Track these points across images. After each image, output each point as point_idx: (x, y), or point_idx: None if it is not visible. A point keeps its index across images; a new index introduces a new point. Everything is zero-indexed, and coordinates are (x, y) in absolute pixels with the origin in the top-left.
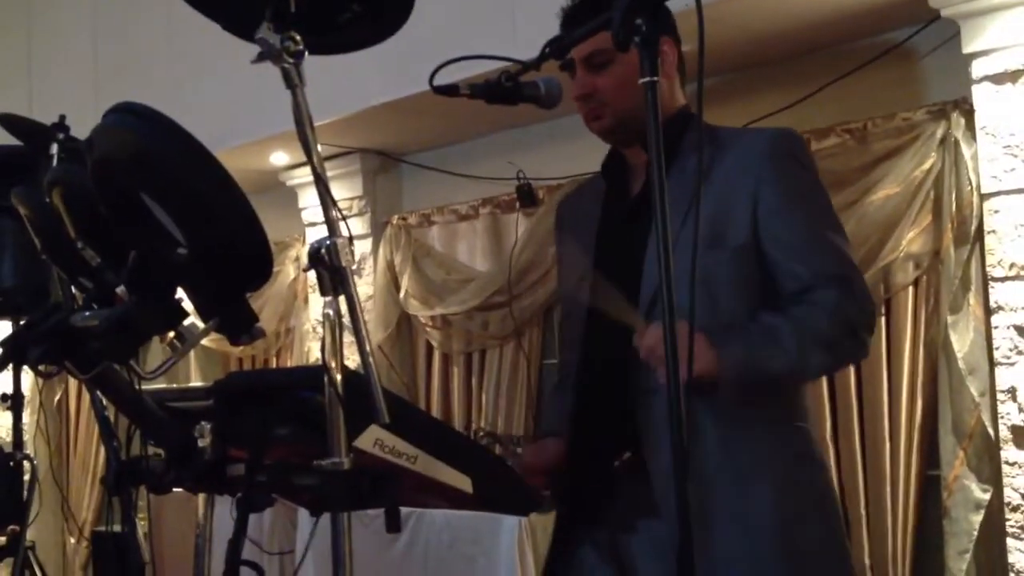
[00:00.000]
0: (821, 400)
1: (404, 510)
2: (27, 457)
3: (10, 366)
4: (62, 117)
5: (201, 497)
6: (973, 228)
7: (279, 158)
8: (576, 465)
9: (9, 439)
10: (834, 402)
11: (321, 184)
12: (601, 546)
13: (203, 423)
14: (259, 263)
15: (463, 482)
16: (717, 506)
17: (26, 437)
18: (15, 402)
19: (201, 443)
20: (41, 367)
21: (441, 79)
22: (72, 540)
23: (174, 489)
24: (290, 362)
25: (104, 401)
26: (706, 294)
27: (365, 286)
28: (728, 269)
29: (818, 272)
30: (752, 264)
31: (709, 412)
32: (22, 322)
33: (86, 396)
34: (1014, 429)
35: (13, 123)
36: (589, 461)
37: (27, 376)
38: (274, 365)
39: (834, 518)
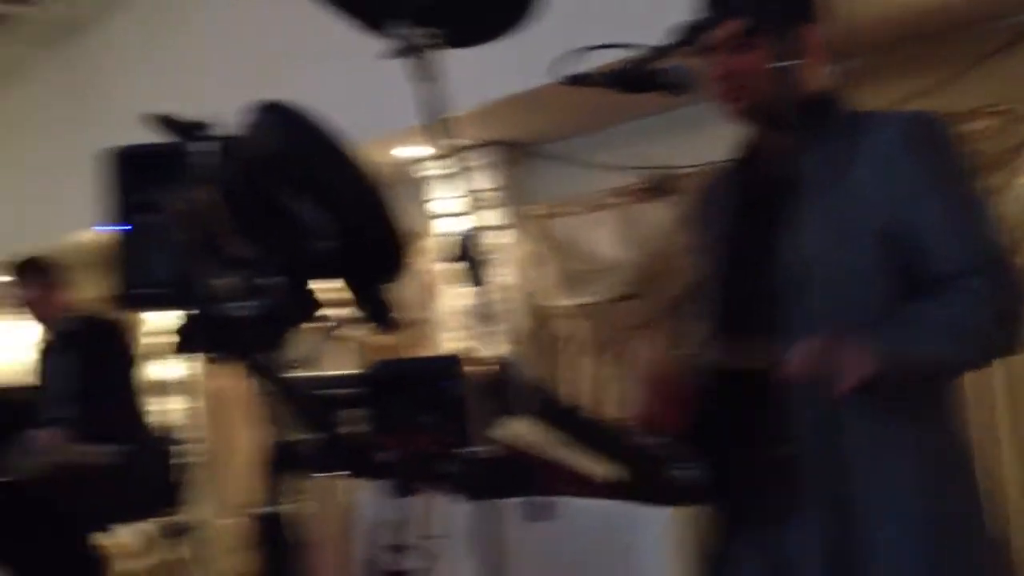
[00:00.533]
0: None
1: (552, 498)
2: (187, 441)
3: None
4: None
5: (345, 482)
6: None
7: (405, 151)
8: (726, 459)
9: (172, 424)
10: (983, 401)
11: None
12: (755, 543)
13: (352, 409)
14: (397, 255)
15: (608, 471)
16: (867, 501)
17: (186, 422)
18: (174, 389)
19: (348, 429)
20: (206, 355)
21: (572, 69)
22: (230, 521)
23: (322, 474)
24: (420, 353)
25: (262, 387)
26: (845, 285)
27: (502, 277)
28: (867, 259)
29: (968, 258)
30: (892, 254)
31: (855, 408)
32: (182, 313)
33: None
34: None
35: (162, 120)
36: (739, 455)
37: (184, 363)
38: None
39: (984, 518)
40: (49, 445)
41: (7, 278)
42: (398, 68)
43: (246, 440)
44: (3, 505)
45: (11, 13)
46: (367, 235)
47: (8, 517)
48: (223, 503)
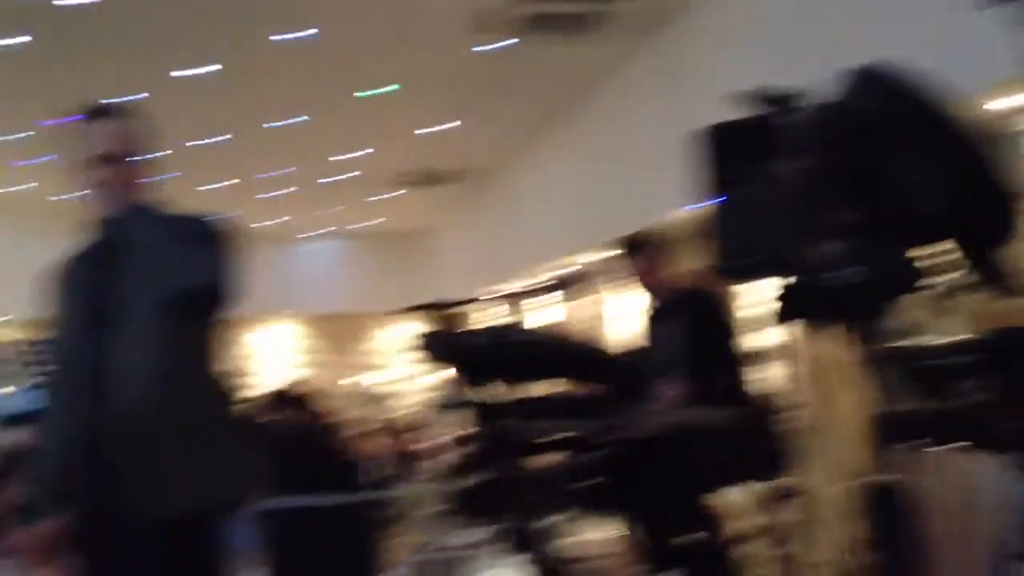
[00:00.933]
0: None
1: None
2: (789, 408)
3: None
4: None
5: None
6: None
7: (1000, 104)
8: None
9: (773, 391)
10: None
11: None
12: None
13: (969, 379)
14: (1007, 215)
15: None
16: None
17: (787, 389)
18: (774, 356)
19: (965, 399)
20: (807, 323)
21: None
22: (838, 488)
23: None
24: None
25: (867, 354)
26: None
27: None
28: None
29: None
30: None
31: None
32: (780, 282)
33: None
34: None
35: (754, 94)
36: None
37: (783, 331)
38: None
39: None
40: (672, 404)
41: (618, 253)
42: (984, 19)
43: (848, 407)
44: (631, 459)
45: (607, 11)
46: (975, 196)
47: (633, 471)
48: (830, 469)
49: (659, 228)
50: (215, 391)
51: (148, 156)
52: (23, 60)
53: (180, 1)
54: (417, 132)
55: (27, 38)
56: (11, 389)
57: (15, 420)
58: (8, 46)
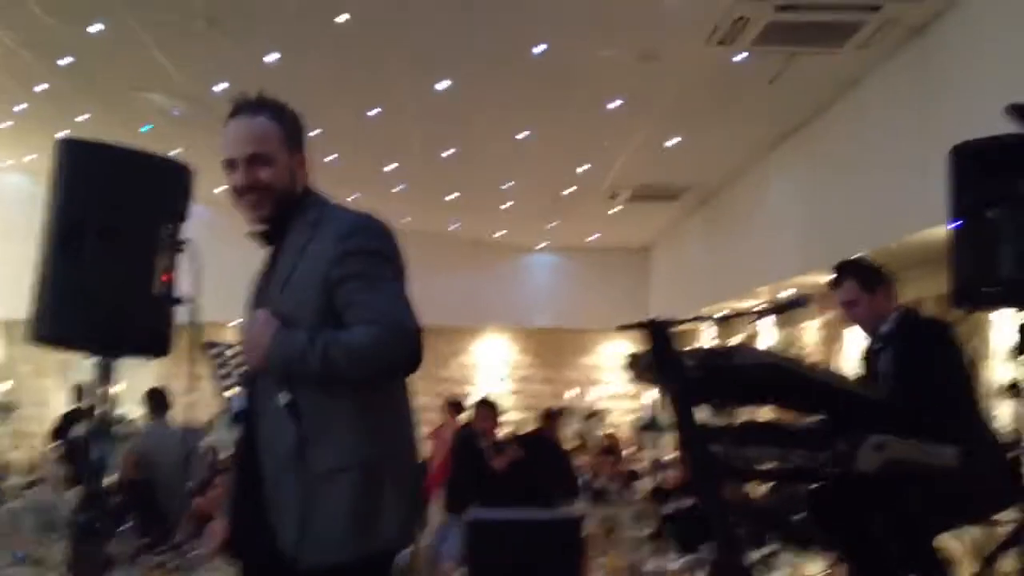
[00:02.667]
0: None
1: None
2: None
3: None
4: None
5: None
6: None
7: None
8: None
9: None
10: None
11: None
12: None
13: None
14: None
15: None
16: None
17: None
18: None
19: None
20: None
21: None
22: None
23: None
24: None
25: None
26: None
27: None
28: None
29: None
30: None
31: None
32: None
33: None
34: None
35: (1013, 110)
36: None
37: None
38: None
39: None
40: (890, 442)
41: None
42: None
43: None
44: (849, 493)
45: (864, 20)
46: None
47: (851, 506)
48: None
49: (887, 251)
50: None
51: (296, 160)
52: (276, 75)
53: (416, 20)
54: (640, 147)
55: (277, 56)
56: (238, 389)
57: (240, 419)
58: (266, 62)
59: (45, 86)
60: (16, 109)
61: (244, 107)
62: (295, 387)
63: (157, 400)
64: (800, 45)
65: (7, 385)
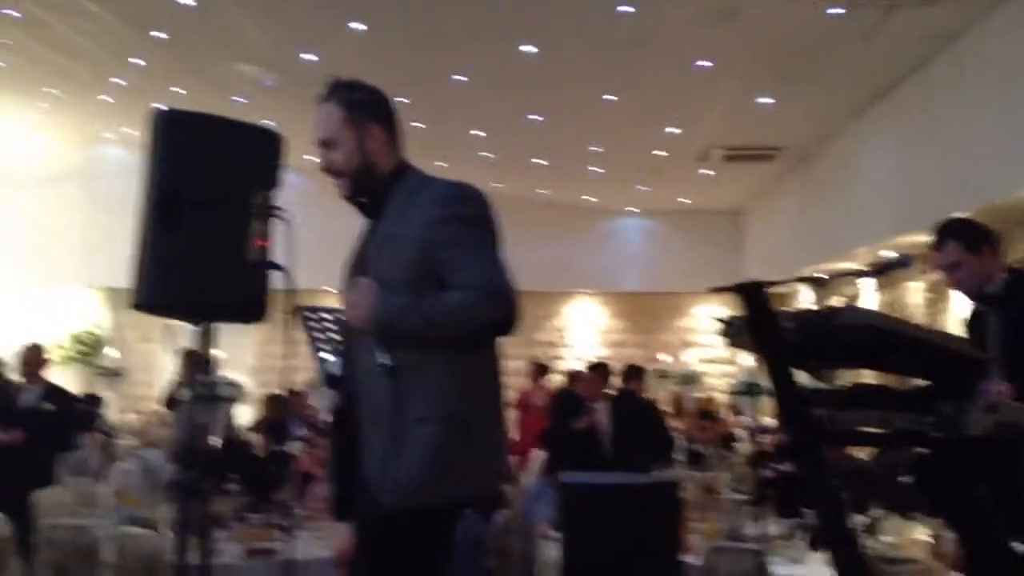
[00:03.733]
0: None
1: None
2: None
3: None
4: None
5: None
6: None
7: None
8: None
9: None
10: None
11: None
12: None
13: None
14: None
15: None
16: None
17: None
18: None
19: None
20: None
21: None
22: None
23: None
24: None
25: None
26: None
27: None
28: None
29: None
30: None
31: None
32: None
33: None
34: None
35: None
36: None
37: None
38: None
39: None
40: (998, 401)
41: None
42: None
43: None
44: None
45: None
46: None
47: (958, 471)
48: None
49: (991, 209)
50: (477, 382)
51: (369, 138)
52: (362, 44)
53: None
54: (730, 108)
55: (364, 26)
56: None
57: (335, 382)
58: (352, 30)
59: (140, 60)
60: (113, 81)
61: (322, 94)
62: (392, 347)
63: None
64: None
65: (115, 351)
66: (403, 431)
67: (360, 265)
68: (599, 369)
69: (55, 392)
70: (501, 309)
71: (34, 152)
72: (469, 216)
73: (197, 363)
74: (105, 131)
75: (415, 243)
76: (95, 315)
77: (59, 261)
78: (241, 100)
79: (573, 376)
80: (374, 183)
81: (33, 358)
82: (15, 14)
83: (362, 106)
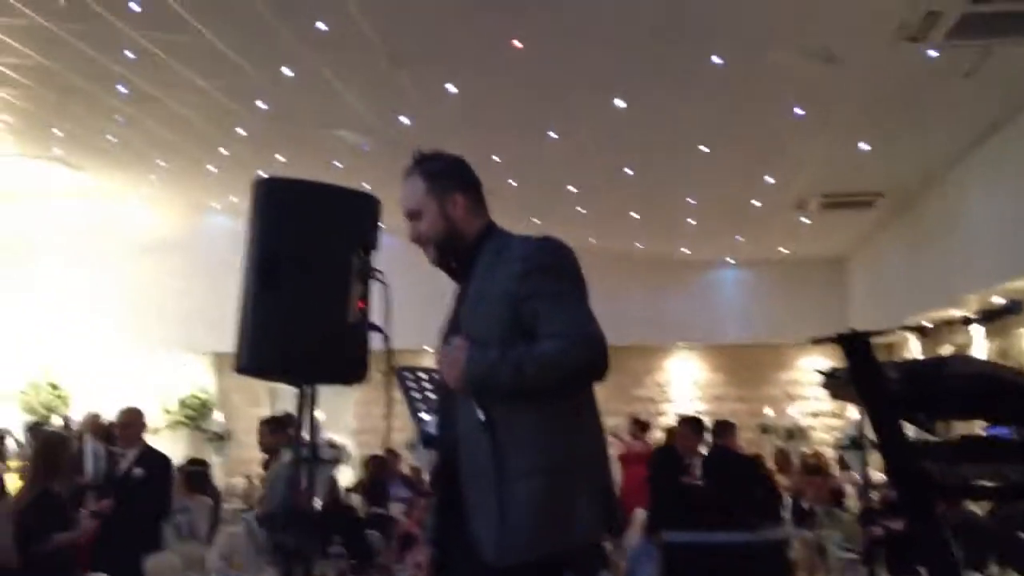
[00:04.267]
0: None
1: None
2: None
3: None
4: None
5: None
6: None
7: None
8: None
9: None
10: None
11: None
12: None
13: None
14: None
15: None
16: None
17: None
18: None
19: None
20: None
21: None
22: None
23: None
24: None
25: None
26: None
27: None
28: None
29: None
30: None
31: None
32: None
33: None
34: None
35: None
36: None
37: None
38: None
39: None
40: None
41: None
42: None
43: None
44: None
45: None
46: None
47: None
48: None
49: None
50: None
51: (451, 205)
52: (455, 106)
53: (588, 41)
54: (827, 154)
55: (456, 89)
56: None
57: (433, 442)
58: (446, 92)
59: (243, 131)
60: (219, 152)
61: (406, 167)
62: (488, 403)
63: None
64: (996, 36)
65: (221, 415)
66: (506, 486)
67: (453, 326)
68: (691, 423)
69: (150, 456)
70: (590, 354)
71: (144, 222)
72: (551, 267)
73: (279, 429)
74: (211, 200)
75: (503, 299)
76: (202, 380)
77: (167, 327)
78: (339, 165)
79: (671, 432)
80: (461, 248)
81: (129, 422)
82: (123, 89)
83: (443, 176)
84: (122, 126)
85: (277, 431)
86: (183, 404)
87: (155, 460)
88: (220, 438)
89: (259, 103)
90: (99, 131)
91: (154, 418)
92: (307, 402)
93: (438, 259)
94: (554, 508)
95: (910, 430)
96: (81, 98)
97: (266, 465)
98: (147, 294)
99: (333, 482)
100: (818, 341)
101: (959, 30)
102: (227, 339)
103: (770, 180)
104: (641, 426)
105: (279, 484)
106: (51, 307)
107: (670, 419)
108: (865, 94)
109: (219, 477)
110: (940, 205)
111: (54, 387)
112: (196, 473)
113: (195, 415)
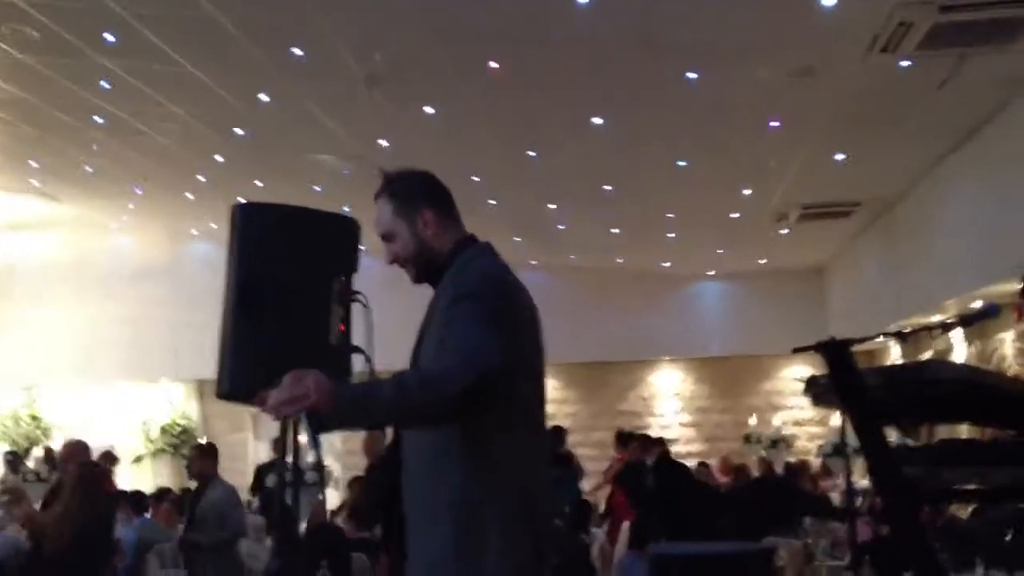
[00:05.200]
0: None
1: None
2: None
3: None
4: None
5: None
6: None
7: None
8: None
9: None
10: None
11: None
12: None
13: None
14: None
15: None
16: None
17: None
18: None
19: None
20: None
21: None
22: None
23: None
24: None
25: None
26: None
27: None
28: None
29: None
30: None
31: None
32: None
33: None
34: None
35: None
36: None
37: None
38: None
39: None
40: None
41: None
42: None
43: None
44: None
45: None
46: None
47: None
48: None
49: None
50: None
51: (420, 223)
52: (433, 127)
53: (562, 60)
54: (805, 166)
55: (433, 110)
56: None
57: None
58: (424, 114)
59: (220, 157)
60: (197, 179)
61: (376, 191)
62: (409, 428)
63: None
64: (968, 46)
65: (204, 441)
66: (427, 522)
67: (419, 340)
68: (648, 438)
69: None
70: (470, 375)
71: (123, 251)
72: (475, 294)
73: (209, 455)
74: (191, 227)
75: (439, 325)
76: (185, 407)
77: (149, 355)
78: (319, 189)
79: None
80: (436, 263)
81: (70, 455)
82: (99, 120)
83: (410, 195)
84: (99, 156)
85: (207, 456)
86: (164, 431)
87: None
88: None
89: (236, 129)
90: (76, 162)
91: (137, 447)
92: (290, 425)
93: (417, 277)
94: (464, 549)
95: (892, 435)
96: (58, 129)
97: (197, 492)
98: (128, 322)
99: (320, 504)
100: (799, 350)
101: (930, 40)
102: (209, 365)
103: (748, 192)
104: (625, 440)
105: (211, 515)
106: (31, 338)
107: (656, 432)
108: (840, 105)
109: None
110: (917, 212)
111: (34, 418)
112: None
113: (177, 442)
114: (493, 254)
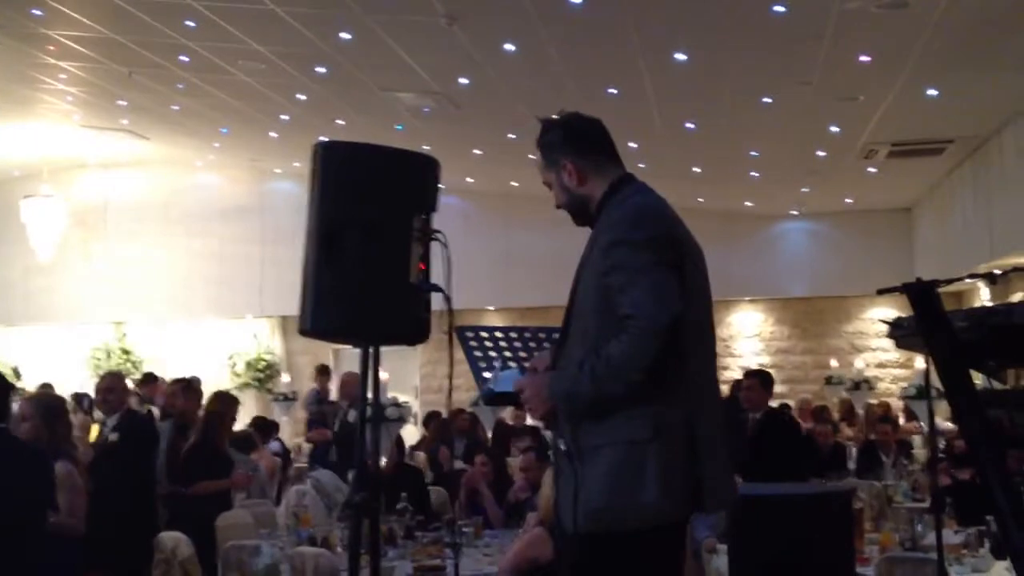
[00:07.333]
0: None
1: None
2: None
3: None
4: None
5: None
6: None
7: None
8: None
9: None
10: None
11: None
12: None
13: None
14: None
15: None
16: None
17: None
18: None
19: None
20: None
21: None
22: None
23: None
24: None
25: None
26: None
27: None
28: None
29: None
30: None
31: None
32: None
33: None
34: None
35: None
36: None
37: None
38: None
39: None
40: None
41: None
42: None
43: None
44: None
45: None
46: None
47: None
48: None
49: None
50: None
51: (565, 175)
52: (514, 64)
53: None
54: (895, 102)
55: (514, 47)
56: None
57: (495, 400)
58: (504, 52)
59: (303, 96)
60: (282, 118)
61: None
62: (576, 423)
63: None
64: None
65: (287, 377)
66: (583, 460)
67: (575, 283)
68: (759, 376)
69: (129, 422)
70: (651, 347)
71: (208, 189)
72: (631, 239)
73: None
74: (274, 166)
75: (595, 270)
76: (268, 343)
77: (234, 292)
78: (400, 127)
79: (735, 385)
80: (590, 209)
81: (110, 387)
82: (184, 59)
83: (551, 147)
84: (185, 95)
85: (189, 392)
86: (250, 366)
87: (134, 425)
88: (287, 399)
89: (318, 68)
90: (163, 101)
91: (223, 380)
92: (371, 362)
93: (576, 222)
94: (619, 483)
95: (978, 379)
96: (145, 68)
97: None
98: (214, 259)
99: (399, 440)
100: (884, 291)
101: None
102: (292, 302)
103: (835, 130)
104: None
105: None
106: (122, 274)
107: (735, 373)
108: (933, 38)
109: (286, 437)
110: (1011, 150)
111: (125, 352)
112: (264, 427)
113: (262, 377)
114: (647, 191)
